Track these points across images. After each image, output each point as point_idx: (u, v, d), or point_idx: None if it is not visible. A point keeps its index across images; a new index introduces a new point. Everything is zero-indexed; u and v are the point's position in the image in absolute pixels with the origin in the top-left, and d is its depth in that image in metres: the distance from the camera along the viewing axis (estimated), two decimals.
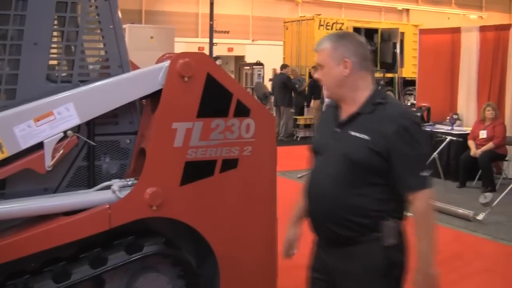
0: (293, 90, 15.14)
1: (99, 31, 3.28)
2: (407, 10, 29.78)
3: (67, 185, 3.23)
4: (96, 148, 3.29)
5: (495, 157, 8.53)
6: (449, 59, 10.31)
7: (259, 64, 20.60)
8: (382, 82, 16.15)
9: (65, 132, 3.06)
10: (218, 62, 15.13)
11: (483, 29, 9.90)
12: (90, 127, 3.24)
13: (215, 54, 16.57)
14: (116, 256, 3.07)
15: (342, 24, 17.41)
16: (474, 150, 8.52)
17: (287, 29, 17.69)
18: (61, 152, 3.05)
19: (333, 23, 17.12)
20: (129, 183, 3.18)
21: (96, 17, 3.26)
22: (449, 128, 9.53)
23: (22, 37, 3.06)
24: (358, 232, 2.37)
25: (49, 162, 3.03)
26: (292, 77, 15.31)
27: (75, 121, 3.09)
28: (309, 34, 16.51)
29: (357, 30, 16.29)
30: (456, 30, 10.38)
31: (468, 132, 9.00)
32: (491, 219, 6.87)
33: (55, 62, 3.33)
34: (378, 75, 15.86)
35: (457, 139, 8.78)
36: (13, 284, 2.91)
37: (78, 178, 3.26)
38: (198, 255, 3.51)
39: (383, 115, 2.35)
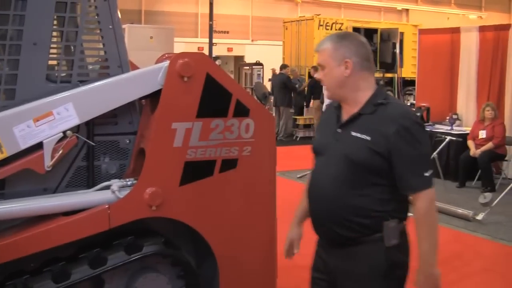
0: (293, 90, 15.14)
1: (98, 31, 3.28)
2: (407, 10, 29.79)
3: (67, 185, 3.22)
4: (95, 148, 3.29)
5: (495, 157, 8.54)
6: (448, 59, 10.31)
7: (258, 64, 20.61)
8: (381, 82, 16.15)
9: (64, 132, 3.06)
10: (217, 62, 15.14)
11: (482, 29, 9.90)
12: (89, 127, 3.24)
13: (214, 54, 16.57)
14: (115, 256, 3.06)
15: (342, 24, 17.42)
16: (474, 150, 8.52)
17: (286, 29, 17.70)
18: (60, 152, 3.05)
19: (333, 23, 17.13)
20: (129, 183, 3.17)
21: (96, 17, 3.25)
22: (449, 128, 9.54)
23: (21, 37, 3.06)
24: (359, 233, 2.37)
25: (48, 162, 3.03)
26: (291, 77, 15.31)
27: (75, 121, 3.09)
28: (309, 34, 16.52)
29: (356, 30, 16.30)
30: (456, 30, 10.39)
31: (468, 132, 9.00)
32: (491, 219, 6.88)
33: (54, 62, 3.33)
34: (377, 75, 15.88)
35: (457, 139, 8.78)
36: (12, 284, 2.91)
37: (78, 178, 3.26)
38: (197, 255, 3.51)
39: (384, 115, 2.34)
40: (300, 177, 9.38)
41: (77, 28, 3.23)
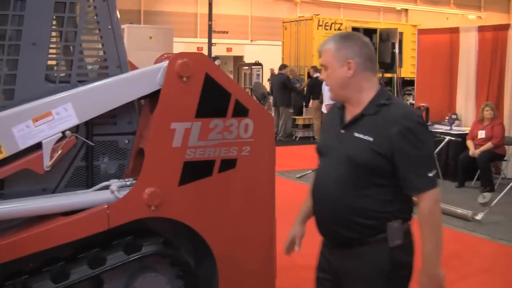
0: (292, 90, 15.14)
1: (97, 31, 3.28)
2: (406, 10, 29.81)
3: (66, 185, 3.23)
4: (94, 148, 3.29)
5: (494, 157, 8.54)
6: (447, 59, 10.31)
7: (258, 64, 20.61)
8: (381, 82, 16.12)
9: (63, 132, 3.06)
10: (217, 62, 15.14)
11: (481, 29, 9.90)
12: (88, 127, 3.24)
13: (214, 54, 16.59)
14: (114, 256, 3.06)
15: (341, 24, 17.41)
16: (473, 150, 8.52)
17: (286, 29, 17.69)
18: (59, 152, 3.05)
19: (332, 23, 17.12)
20: (128, 183, 3.18)
21: (95, 17, 3.26)
22: (448, 128, 9.54)
23: (20, 37, 3.06)
24: (362, 234, 2.36)
25: (47, 162, 3.03)
26: (291, 77, 15.31)
27: (74, 121, 3.09)
28: (308, 34, 16.51)
29: (355, 30, 16.29)
30: (455, 30, 10.39)
31: (467, 132, 9.00)
32: (490, 219, 6.88)
33: (53, 62, 3.33)
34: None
35: (456, 139, 8.78)
36: (11, 284, 2.91)
37: (77, 178, 3.26)
38: (196, 255, 3.51)
39: (386, 116, 2.33)
40: (300, 177, 9.39)
41: (76, 28, 3.23)
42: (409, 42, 17.96)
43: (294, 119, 15.51)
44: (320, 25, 16.74)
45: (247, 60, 23.47)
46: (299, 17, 19.26)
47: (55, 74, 3.20)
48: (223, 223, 3.37)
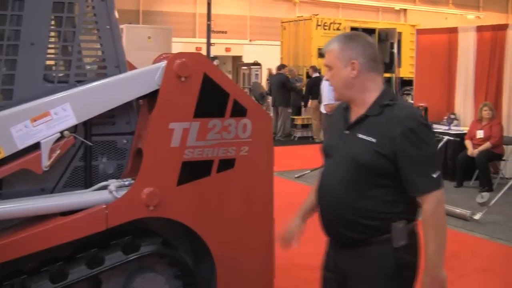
0: (292, 90, 15.13)
1: (96, 31, 3.28)
2: (405, 10, 29.82)
3: (64, 185, 3.23)
4: (93, 148, 3.29)
5: (492, 156, 8.55)
6: (446, 59, 10.32)
7: (256, 64, 20.60)
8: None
9: (62, 132, 3.07)
10: (215, 62, 15.12)
11: (480, 29, 9.91)
12: (87, 127, 3.24)
13: (212, 54, 16.59)
14: (113, 256, 3.06)
15: (340, 24, 17.40)
16: (471, 150, 8.53)
17: (284, 29, 17.68)
18: (58, 152, 3.05)
19: (331, 23, 17.11)
20: (126, 183, 3.18)
21: (93, 17, 3.26)
22: (447, 128, 9.55)
23: (19, 37, 3.06)
24: (366, 234, 2.36)
25: (46, 162, 3.03)
26: (290, 77, 15.31)
27: (72, 121, 3.09)
28: (307, 34, 16.50)
29: (354, 30, 16.29)
30: (453, 30, 10.40)
31: (465, 132, 9.01)
32: (488, 218, 6.89)
33: (52, 62, 3.33)
34: None
35: (454, 139, 8.79)
36: (10, 284, 2.91)
37: (75, 178, 3.26)
38: (195, 255, 3.51)
39: (390, 117, 2.33)
40: (298, 177, 9.39)
41: (75, 28, 3.24)
42: (408, 42, 17.95)
43: (293, 119, 15.52)
44: (319, 25, 16.73)
45: (245, 60, 23.45)
46: (297, 17, 19.25)
47: (54, 74, 3.20)
48: (222, 223, 3.37)
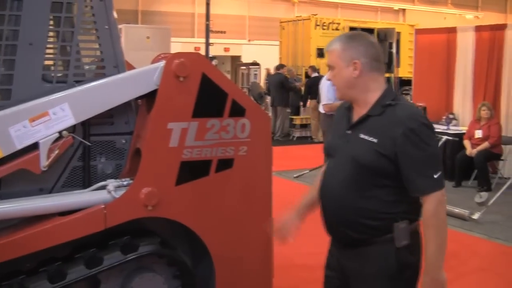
0: (291, 90, 15.12)
1: (94, 31, 3.28)
2: (403, 10, 29.84)
3: (63, 185, 3.23)
4: (91, 148, 3.29)
5: (491, 156, 8.55)
6: (445, 59, 10.32)
7: (255, 64, 20.60)
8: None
9: (60, 132, 3.07)
10: (214, 62, 15.14)
11: (478, 29, 9.91)
12: (85, 127, 3.24)
13: (211, 54, 16.59)
14: (111, 256, 3.07)
15: (338, 24, 17.40)
16: (470, 150, 8.53)
17: (283, 29, 17.68)
18: (56, 152, 3.05)
19: (329, 23, 17.10)
20: (125, 183, 3.18)
21: (92, 17, 3.26)
22: (445, 127, 9.55)
23: (17, 37, 3.06)
24: (368, 234, 2.36)
25: (44, 162, 3.03)
26: (288, 77, 15.31)
27: (71, 121, 3.09)
28: (305, 34, 16.49)
29: (353, 30, 16.29)
30: (452, 30, 10.40)
31: (464, 131, 9.02)
32: (487, 218, 6.89)
33: (50, 62, 3.33)
34: None
35: (453, 138, 8.80)
36: (8, 284, 2.91)
37: (74, 178, 3.26)
38: (193, 255, 3.51)
39: (391, 117, 2.32)
40: (297, 177, 9.39)
41: (73, 28, 3.24)
42: (407, 42, 17.96)
43: (292, 119, 15.52)
44: (318, 25, 16.72)
45: (244, 60, 23.45)
46: (296, 17, 19.26)
47: (52, 74, 3.20)
48: (220, 223, 3.37)
